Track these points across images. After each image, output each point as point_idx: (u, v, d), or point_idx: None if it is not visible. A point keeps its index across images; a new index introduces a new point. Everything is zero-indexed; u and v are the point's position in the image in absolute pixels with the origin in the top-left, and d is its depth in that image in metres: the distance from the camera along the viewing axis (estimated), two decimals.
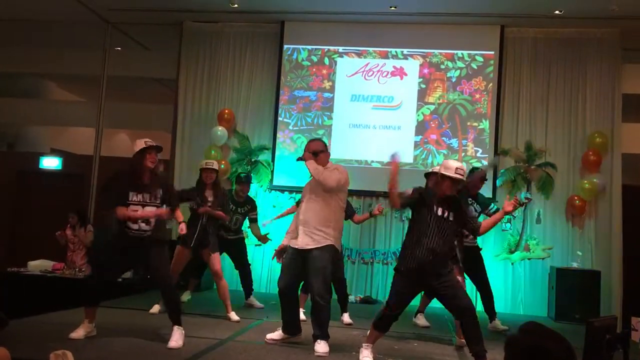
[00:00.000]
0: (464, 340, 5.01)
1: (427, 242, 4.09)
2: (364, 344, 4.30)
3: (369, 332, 4.38)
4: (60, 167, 10.49)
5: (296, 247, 4.58)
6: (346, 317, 5.88)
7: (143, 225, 4.49)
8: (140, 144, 4.48)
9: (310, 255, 4.50)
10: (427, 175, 5.49)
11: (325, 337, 4.55)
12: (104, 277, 4.66)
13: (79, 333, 4.47)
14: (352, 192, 7.99)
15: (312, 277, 4.49)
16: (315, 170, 4.56)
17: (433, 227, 4.11)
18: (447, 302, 4.15)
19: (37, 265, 7.72)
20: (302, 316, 5.48)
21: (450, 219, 4.16)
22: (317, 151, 4.67)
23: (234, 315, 5.73)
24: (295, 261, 4.59)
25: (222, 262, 6.05)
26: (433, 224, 4.12)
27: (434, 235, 4.10)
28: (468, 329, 4.11)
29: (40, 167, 10.50)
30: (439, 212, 4.14)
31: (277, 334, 4.76)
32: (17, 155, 10.97)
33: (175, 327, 4.50)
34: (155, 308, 5.94)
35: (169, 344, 4.40)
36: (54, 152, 10.93)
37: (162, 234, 4.68)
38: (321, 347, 4.49)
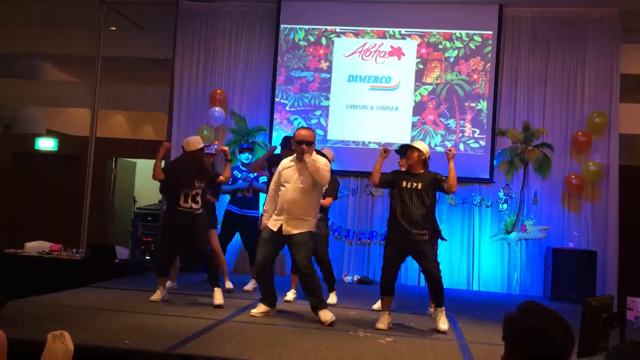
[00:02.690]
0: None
1: None
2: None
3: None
4: (56, 149, 10.45)
5: (275, 230, 4.95)
6: (331, 297, 5.93)
7: (193, 204, 5.43)
8: (199, 143, 5.57)
9: (293, 237, 4.93)
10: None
11: (323, 305, 4.93)
12: (168, 250, 5.63)
13: (157, 296, 5.45)
14: (348, 173, 8.04)
15: (297, 253, 4.92)
16: (313, 166, 4.89)
17: None
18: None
19: (34, 247, 7.72)
20: (290, 296, 5.81)
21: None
22: (311, 142, 5.01)
23: (228, 284, 6.22)
24: (272, 240, 4.99)
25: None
26: None
27: None
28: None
29: (36, 148, 10.45)
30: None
31: (260, 308, 5.05)
32: (13, 136, 10.92)
33: (215, 289, 5.39)
34: (168, 284, 6.14)
35: (214, 301, 5.29)
36: (49, 133, 10.87)
37: (207, 213, 5.68)
38: (326, 315, 4.86)
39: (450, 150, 5.05)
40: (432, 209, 5.01)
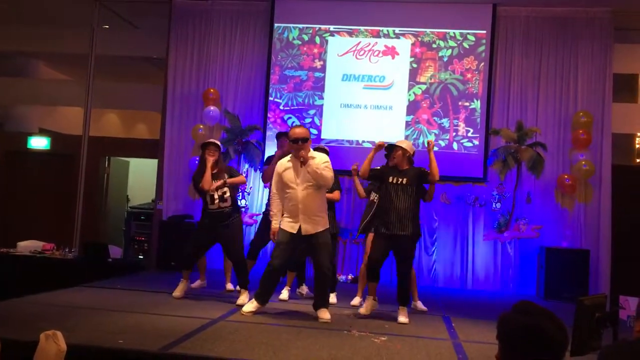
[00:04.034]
0: (417, 304, 5.76)
1: None
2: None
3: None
4: (48, 147, 10.39)
5: (294, 232, 4.95)
6: (331, 297, 5.91)
7: (221, 204, 5.50)
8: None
9: (314, 237, 4.95)
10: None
11: (326, 305, 5.04)
12: (193, 244, 5.65)
13: (178, 291, 5.57)
14: (342, 172, 8.00)
15: (320, 254, 4.98)
16: (316, 173, 4.90)
17: None
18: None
19: (26, 246, 7.69)
20: (285, 295, 5.84)
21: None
22: (306, 138, 5.02)
23: (229, 286, 6.16)
24: (291, 243, 4.99)
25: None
26: None
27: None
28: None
29: (29, 147, 10.40)
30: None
31: (252, 305, 5.05)
32: (5, 135, 10.85)
33: (242, 290, 5.49)
34: (197, 283, 6.26)
35: (238, 301, 5.35)
36: (42, 132, 10.82)
37: (238, 213, 5.74)
38: (325, 314, 4.95)
39: (429, 143, 5.38)
40: (417, 204, 5.30)
